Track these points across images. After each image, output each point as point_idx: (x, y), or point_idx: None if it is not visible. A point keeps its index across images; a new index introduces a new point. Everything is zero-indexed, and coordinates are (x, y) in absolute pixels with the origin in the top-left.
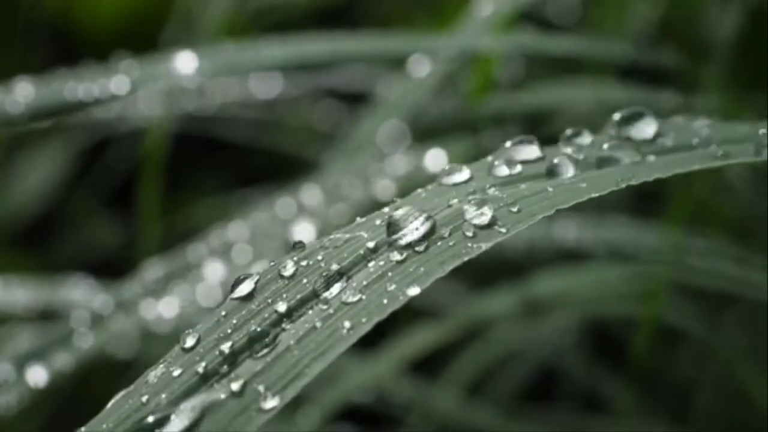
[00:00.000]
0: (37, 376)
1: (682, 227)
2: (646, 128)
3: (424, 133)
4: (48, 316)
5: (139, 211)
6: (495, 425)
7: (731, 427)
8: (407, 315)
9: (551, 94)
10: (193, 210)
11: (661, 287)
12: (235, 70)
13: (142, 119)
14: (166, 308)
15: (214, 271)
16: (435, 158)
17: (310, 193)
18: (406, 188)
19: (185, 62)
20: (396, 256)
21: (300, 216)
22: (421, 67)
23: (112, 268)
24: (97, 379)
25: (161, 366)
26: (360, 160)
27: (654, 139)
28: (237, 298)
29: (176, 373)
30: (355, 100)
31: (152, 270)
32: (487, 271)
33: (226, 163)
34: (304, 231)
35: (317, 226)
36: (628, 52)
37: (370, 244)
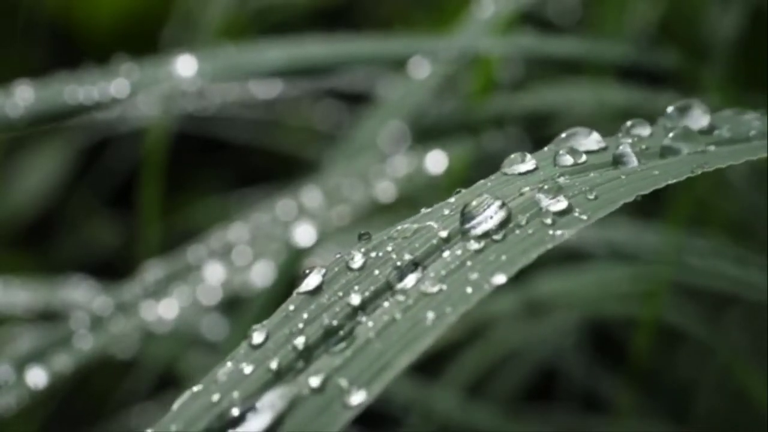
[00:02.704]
0: (37, 377)
1: (683, 227)
2: (700, 120)
3: (425, 134)
4: (48, 316)
5: (139, 211)
6: (495, 425)
7: (731, 427)
8: None
9: (551, 95)
10: (193, 210)
11: (662, 287)
12: (235, 74)
13: (142, 119)
14: (166, 310)
15: (215, 273)
16: (436, 160)
17: (311, 195)
18: (407, 190)
19: (186, 65)
20: (473, 245)
21: (300, 217)
22: (421, 68)
23: (112, 268)
24: (97, 379)
25: (229, 364)
26: (361, 161)
27: (710, 131)
28: (304, 293)
29: (247, 370)
30: (356, 100)
31: (152, 271)
32: None
33: (226, 163)
34: (305, 233)
35: (318, 227)
36: (629, 53)
37: (443, 234)
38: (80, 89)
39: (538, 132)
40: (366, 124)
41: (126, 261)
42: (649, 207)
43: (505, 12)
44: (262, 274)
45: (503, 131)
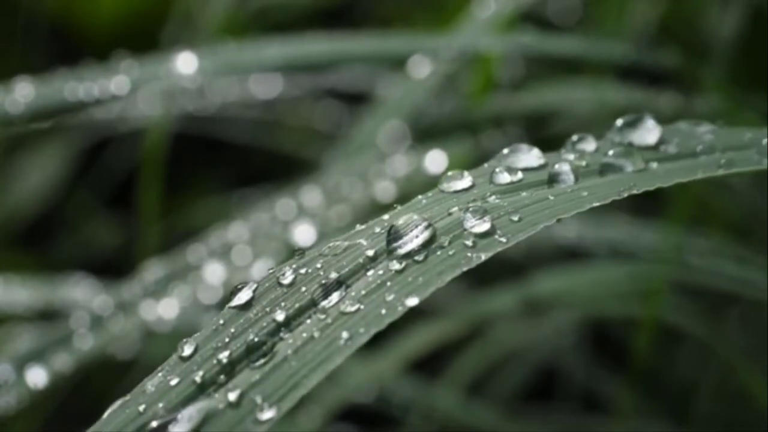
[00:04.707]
0: (37, 377)
1: (683, 227)
2: (649, 134)
3: (425, 134)
4: (48, 315)
5: (139, 211)
6: (495, 425)
7: (731, 427)
8: (407, 315)
9: (551, 95)
10: (193, 210)
11: (662, 287)
12: (235, 70)
13: (142, 119)
14: (165, 309)
15: (214, 273)
16: (435, 159)
17: (311, 194)
18: (406, 189)
19: (186, 62)
20: (395, 266)
21: (300, 217)
22: (421, 68)
23: (112, 268)
24: (97, 379)
25: (159, 375)
26: (360, 160)
27: (657, 146)
28: (235, 307)
29: (173, 382)
30: (355, 100)
31: (152, 271)
32: (487, 271)
33: (226, 163)
34: (304, 232)
35: (317, 227)
36: (629, 53)
37: (370, 253)
38: (80, 86)
39: (538, 132)
40: (366, 123)
41: (126, 261)
42: (649, 206)
43: (505, 11)
44: (261, 274)
45: (503, 131)
